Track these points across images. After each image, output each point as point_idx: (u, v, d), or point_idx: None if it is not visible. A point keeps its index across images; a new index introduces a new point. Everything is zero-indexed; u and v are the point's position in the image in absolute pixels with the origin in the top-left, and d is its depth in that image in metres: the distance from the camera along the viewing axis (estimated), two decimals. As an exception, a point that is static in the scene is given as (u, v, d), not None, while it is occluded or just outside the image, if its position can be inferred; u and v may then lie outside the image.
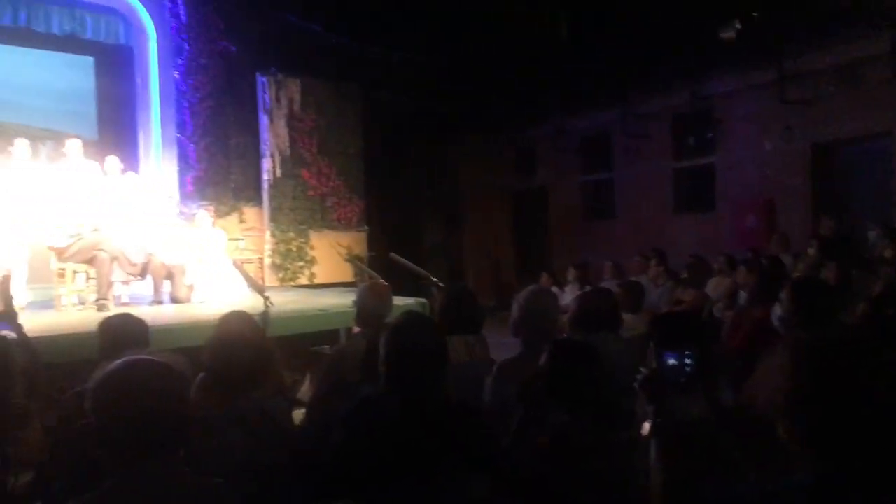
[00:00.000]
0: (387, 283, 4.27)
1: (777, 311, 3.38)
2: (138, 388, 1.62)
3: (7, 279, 5.91)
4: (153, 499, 1.62)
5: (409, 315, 2.47)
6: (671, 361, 1.98)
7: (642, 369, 2.00)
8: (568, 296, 8.71)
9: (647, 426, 1.92)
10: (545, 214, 15.14)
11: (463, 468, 2.15)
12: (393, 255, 7.18)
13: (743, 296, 7.12)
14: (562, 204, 14.74)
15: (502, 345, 4.39)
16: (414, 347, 2.21)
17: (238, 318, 3.36)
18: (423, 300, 7.84)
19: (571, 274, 9.94)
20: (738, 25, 9.61)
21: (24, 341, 3.62)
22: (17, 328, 3.73)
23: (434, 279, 6.68)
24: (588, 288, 7.26)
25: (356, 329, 7.85)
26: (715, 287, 8.31)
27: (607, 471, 2.54)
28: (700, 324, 3.99)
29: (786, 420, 1.35)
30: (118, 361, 1.70)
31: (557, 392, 2.65)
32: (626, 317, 4.15)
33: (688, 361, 1.96)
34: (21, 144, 8.15)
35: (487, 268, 15.31)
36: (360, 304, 3.93)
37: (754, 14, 9.58)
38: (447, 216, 15.06)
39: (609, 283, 8.02)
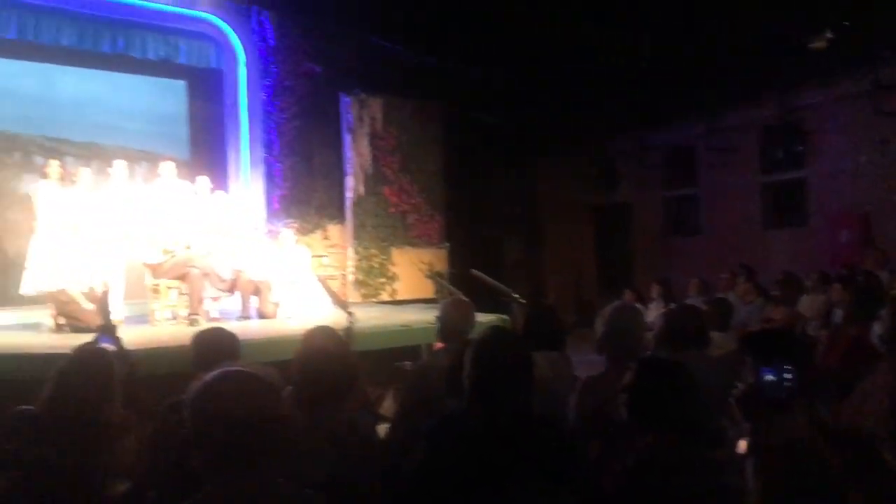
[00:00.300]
0: (468, 299, 4.28)
1: (877, 329, 3.24)
2: (234, 398, 1.67)
3: (106, 294, 6.20)
4: (244, 507, 1.66)
5: (496, 330, 2.47)
6: (769, 377, 1.91)
7: (738, 385, 1.94)
8: (652, 313, 8.54)
9: (742, 444, 1.86)
10: (627, 230, 14.92)
11: (548, 485, 2.13)
12: (474, 271, 7.21)
13: (838, 314, 6.85)
14: (644, 220, 14.51)
15: (584, 362, 4.34)
16: (500, 362, 2.21)
17: (323, 332, 3.42)
18: (504, 316, 7.81)
19: (655, 291, 9.75)
20: (829, 35, 9.31)
21: (123, 354, 3.76)
22: (116, 341, 3.88)
23: (515, 295, 6.67)
24: (673, 305, 7.11)
25: (438, 345, 7.90)
26: (808, 305, 8.02)
27: (696, 491, 2.48)
28: (797, 341, 3.86)
29: (892, 442, 1.29)
30: (214, 372, 1.75)
31: (643, 410, 2.60)
32: (714, 335, 4.04)
33: (787, 377, 1.89)
34: (119, 166, 8.51)
35: (569, 284, 15.17)
36: (442, 320, 3.95)
37: (846, 23, 9.27)
38: (527, 232, 15.01)
39: (695, 301, 7.84)
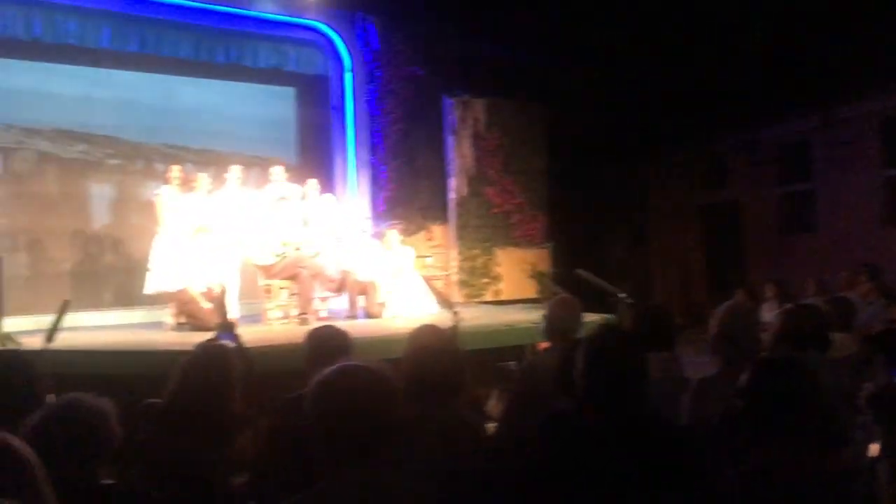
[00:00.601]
0: (575, 298, 4.24)
1: None
2: (354, 392, 1.72)
3: (223, 294, 6.47)
4: (363, 499, 1.71)
5: (609, 328, 2.45)
6: (901, 379, 1.82)
7: (865, 386, 1.86)
8: (766, 313, 8.24)
9: (874, 448, 1.78)
10: (738, 229, 14.42)
11: (662, 489, 2.09)
12: (580, 270, 7.14)
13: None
14: (756, 217, 13.99)
15: (692, 364, 4.23)
16: (615, 361, 2.18)
17: (431, 330, 3.47)
18: (610, 316, 7.70)
19: (770, 290, 9.41)
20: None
21: (242, 350, 3.92)
22: (235, 338, 4.04)
23: (621, 295, 6.57)
24: (789, 305, 6.84)
25: (543, 344, 7.86)
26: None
27: (819, 498, 2.38)
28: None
29: None
30: (335, 367, 1.81)
31: (760, 413, 2.52)
32: (836, 336, 3.87)
33: (921, 378, 1.79)
34: (234, 171, 8.86)
35: (675, 285, 14.81)
36: (549, 319, 3.93)
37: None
38: (632, 232, 14.74)
39: (814, 300, 7.51)
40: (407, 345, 3.33)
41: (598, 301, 7.21)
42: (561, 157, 12.46)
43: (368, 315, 8.70)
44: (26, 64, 9.75)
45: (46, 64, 9.86)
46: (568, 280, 8.48)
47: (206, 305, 7.71)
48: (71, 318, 5.79)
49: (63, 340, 5.76)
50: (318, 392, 1.77)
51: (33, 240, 10.04)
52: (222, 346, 3.56)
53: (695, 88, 11.56)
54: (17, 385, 2.81)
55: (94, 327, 8.72)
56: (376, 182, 11.37)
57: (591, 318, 7.40)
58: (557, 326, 3.91)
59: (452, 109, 11.65)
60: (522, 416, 3.49)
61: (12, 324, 7.34)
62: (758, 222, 13.94)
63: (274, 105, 11.70)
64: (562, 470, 2.30)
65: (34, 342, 5.28)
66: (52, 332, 5.37)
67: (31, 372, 2.94)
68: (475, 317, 8.06)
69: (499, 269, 11.97)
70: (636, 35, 10.73)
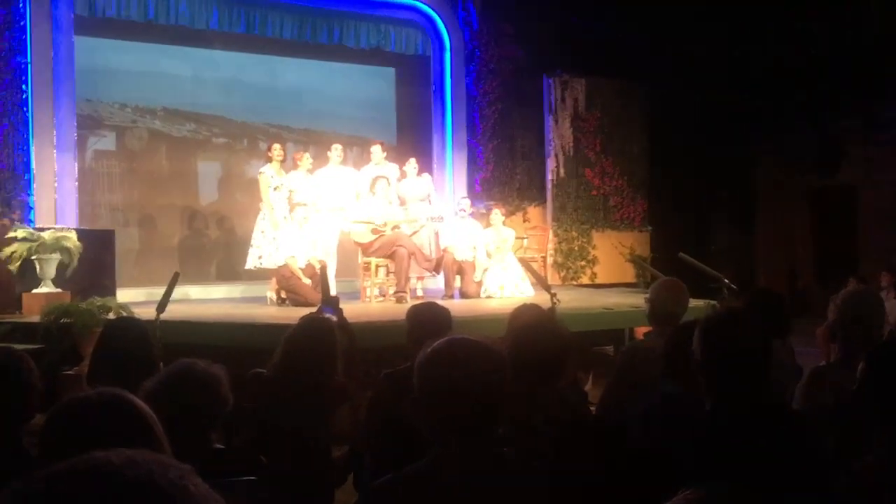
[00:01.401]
0: (681, 282, 4.10)
1: None
2: (464, 364, 1.70)
3: (325, 269, 6.58)
4: (471, 473, 1.69)
5: (729, 311, 2.34)
6: None
7: None
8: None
9: None
10: (852, 214, 13.73)
11: (789, 478, 1.99)
12: (682, 255, 6.94)
13: None
14: (873, 203, 13.27)
15: (802, 354, 4.05)
16: (738, 345, 2.09)
17: (533, 309, 3.42)
18: (714, 302, 7.48)
19: (885, 279, 8.94)
20: None
21: (344, 324, 3.97)
22: (338, 312, 4.10)
23: (726, 281, 6.37)
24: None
25: (640, 329, 7.70)
26: None
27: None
28: None
29: None
30: (442, 339, 1.79)
31: (883, 403, 2.37)
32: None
33: None
34: (336, 149, 9.00)
35: (781, 271, 14.24)
36: (653, 302, 3.81)
37: None
38: (738, 216, 14.23)
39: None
40: (509, 324, 3.30)
41: (700, 287, 7.00)
42: (662, 138, 12.12)
43: (464, 295, 8.72)
44: (141, 45, 10.14)
45: (159, 45, 10.24)
46: (668, 264, 8.28)
47: (306, 282, 7.87)
48: (178, 291, 6.01)
49: (172, 312, 5.99)
50: (427, 364, 1.75)
51: (145, 215, 10.48)
52: (326, 319, 3.62)
53: (807, 65, 11.02)
54: (135, 350, 2.92)
55: (200, 300, 9.05)
56: (473, 162, 11.34)
57: (695, 304, 7.22)
58: (662, 310, 3.79)
59: (552, 89, 11.49)
60: (624, 399, 3.41)
61: (125, 295, 7.68)
62: (874, 207, 13.22)
63: (374, 85, 11.82)
64: (664, 455, 2.23)
65: (145, 313, 5.50)
66: (163, 304, 5.57)
67: (147, 339, 3.05)
68: (572, 299, 7.97)
69: (595, 252, 11.79)
70: (743, 11, 10.30)
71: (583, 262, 11.68)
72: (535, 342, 2.64)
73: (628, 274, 11.64)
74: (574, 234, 11.65)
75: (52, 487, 0.71)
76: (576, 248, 11.66)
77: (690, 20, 10.65)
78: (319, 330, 3.44)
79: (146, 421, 1.39)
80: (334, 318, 3.79)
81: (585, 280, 11.61)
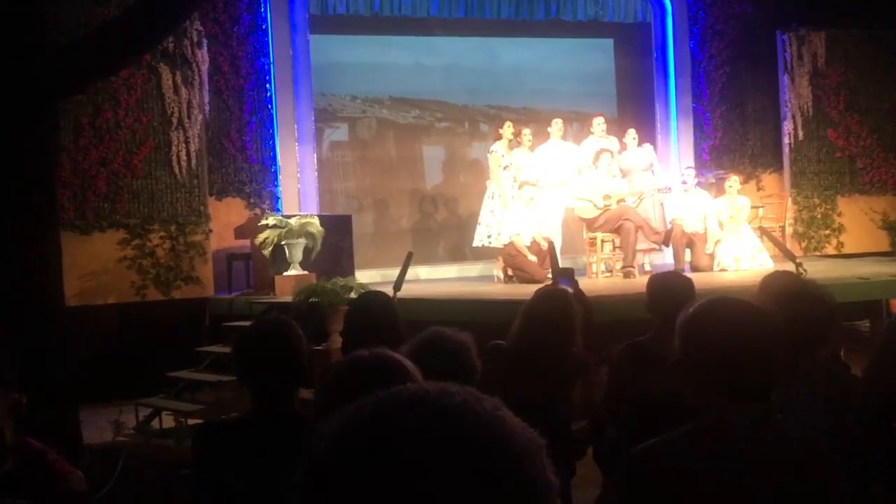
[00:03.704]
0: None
1: None
2: (732, 325, 1.59)
3: (551, 247, 6.58)
4: (745, 440, 1.58)
5: None
6: None
7: None
8: None
9: None
10: None
11: None
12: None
13: None
14: None
15: None
16: None
17: (789, 276, 3.19)
18: None
19: None
20: None
21: (580, 296, 3.92)
22: (574, 284, 4.06)
23: None
24: None
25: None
26: None
27: None
28: None
29: None
30: (708, 299, 1.69)
31: None
32: None
33: None
34: (557, 124, 8.96)
35: None
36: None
37: None
38: None
39: None
40: (760, 291, 3.09)
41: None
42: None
43: (695, 269, 8.35)
44: (367, 38, 10.66)
45: (384, 37, 10.70)
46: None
47: (532, 259, 7.91)
48: (409, 272, 6.26)
49: (408, 290, 6.26)
50: (693, 323, 1.66)
51: (377, 200, 11.04)
52: (564, 290, 3.59)
53: None
54: (381, 320, 3.05)
55: (430, 280, 9.39)
56: (700, 130, 10.80)
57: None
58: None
59: (787, 46, 10.64)
60: (892, 373, 3.10)
61: (361, 276, 8.14)
62: None
63: (592, 58, 11.60)
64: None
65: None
66: (399, 282, 5.83)
67: (392, 308, 3.18)
68: (819, 270, 7.36)
69: (841, 220, 10.83)
70: None
71: (827, 231, 10.77)
72: (799, 306, 2.45)
73: (882, 242, 10.59)
74: (816, 200, 10.77)
75: (374, 413, 0.73)
76: (818, 216, 10.77)
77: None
78: (557, 301, 3.42)
79: (415, 377, 1.43)
80: (570, 290, 3.76)
81: (830, 250, 10.72)
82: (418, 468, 0.68)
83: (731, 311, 1.63)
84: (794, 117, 10.69)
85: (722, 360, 1.59)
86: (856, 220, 10.79)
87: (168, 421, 6.76)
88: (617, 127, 9.80)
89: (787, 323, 2.52)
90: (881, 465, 2.37)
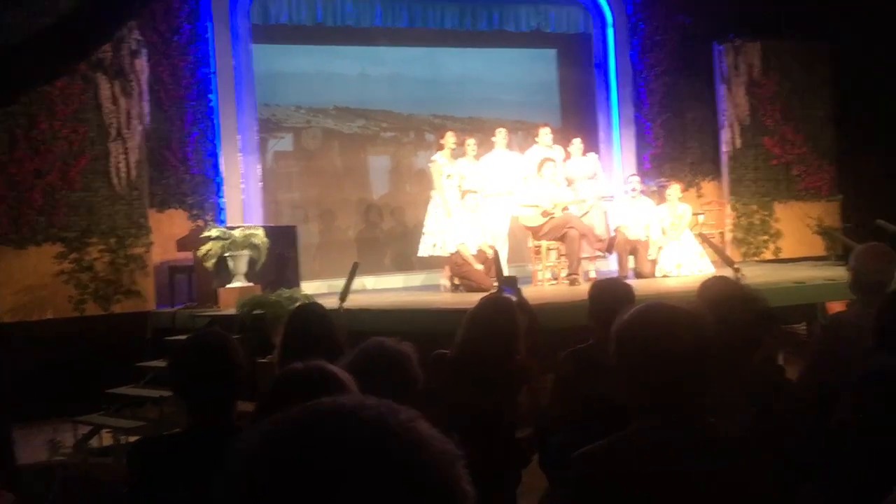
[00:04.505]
0: (888, 247, 3.76)
1: None
2: (664, 330, 1.62)
3: (496, 255, 6.61)
4: (679, 444, 1.61)
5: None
6: None
7: None
8: None
9: None
10: None
11: None
12: (880, 221, 6.45)
13: None
14: None
15: None
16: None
17: (725, 281, 3.25)
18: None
19: None
20: None
21: (523, 303, 3.95)
22: (517, 292, 4.09)
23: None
24: None
25: (833, 305, 7.18)
26: None
27: None
28: None
29: None
30: (641, 305, 1.72)
31: None
32: None
33: None
34: (501, 133, 9.04)
35: None
36: (857, 269, 3.52)
37: None
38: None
39: None
40: (698, 296, 3.15)
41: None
42: (851, 99, 11.21)
43: (639, 275, 8.48)
44: (311, 48, 10.61)
45: (328, 47, 10.66)
46: (862, 235, 7.69)
47: (479, 267, 7.94)
48: (355, 282, 6.24)
49: (354, 301, 6.23)
50: (627, 329, 1.68)
51: (323, 211, 10.96)
52: (507, 299, 3.62)
53: None
54: (319, 333, 3.04)
55: (376, 290, 9.36)
56: (642, 139, 10.99)
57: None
58: (867, 278, 3.50)
59: (724, 56, 10.90)
60: (828, 374, 3.19)
61: (307, 287, 8.07)
62: None
63: (536, 68, 11.72)
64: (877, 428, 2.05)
65: (328, 303, 5.74)
66: (345, 293, 5.80)
67: (329, 321, 3.16)
68: (757, 275, 7.55)
69: (778, 226, 11.11)
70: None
71: (765, 237, 11.04)
72: (732, 311, 2.50)
73: (817, 247, 10.89)
74: (754, 207, 11.03)
75: (290, 426, 0.72)
76: (756, 223, 11.04)
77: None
78: (501, 309, 3.44)
79: (350, 388, 1.42)
80: (514, 298, 3.78)
81: (769, 255, 10.98)
82: (331, 480, 0.67)
83: (662, 317, 1.66)
84: (731, 126, 10.95)
85: (654, 365, 1.62)
86: (792, 225, 11.08)
87: (108, 439, 6.60)
88: (561, 136, 9.91)
89: (720, 327, 2.58)
90: (815, 466, 2.44)
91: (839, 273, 6.03)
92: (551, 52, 11.81)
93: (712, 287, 2.95)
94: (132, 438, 6.08)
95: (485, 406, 3.29)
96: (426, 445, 0.73)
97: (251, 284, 7.76)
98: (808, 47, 11.19)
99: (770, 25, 10.76)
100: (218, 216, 9.11)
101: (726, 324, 2.52)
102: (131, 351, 7.50)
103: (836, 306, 7.01)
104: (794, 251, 10.95)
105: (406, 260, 10.46)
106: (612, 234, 8.78)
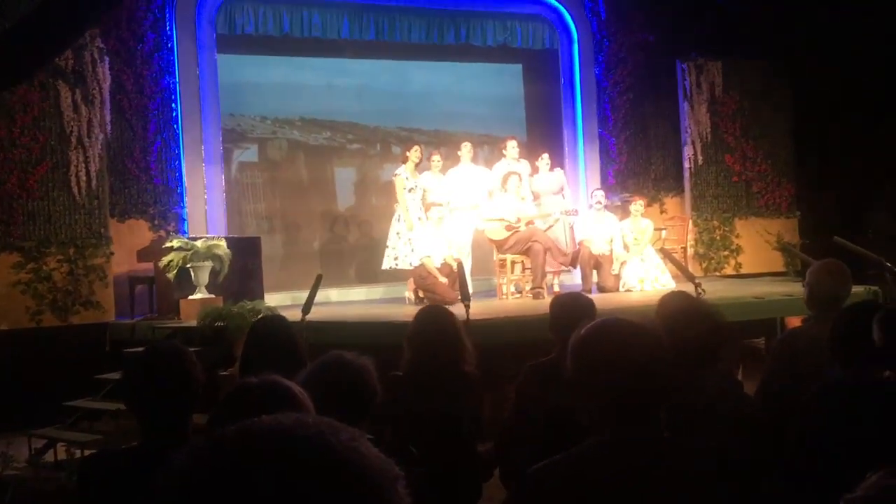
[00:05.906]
0: (842, 263, 3.84)
1: None
2: (619, 345, 1.63)
3: (461, 267, 6.61)
4: (635, 459, 1.61)
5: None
6: None
7: None
8: None
9: None
10: None
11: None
12: (837, 238, 6.55)
13: None
14: None
15: None
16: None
17: (683, 296, 3.29)
18: (875, 288, 7.02)
19: None
20: None
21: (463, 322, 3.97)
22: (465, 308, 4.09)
23: (889, 265, 5.95)
24: None
25: (792, 320, 7.29)
26: None
27: None
28: None
29: None
30: (597, 320, 1.73)
31: None
32: None
33: None
34: (466, 147, 9.06)
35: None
36: (812, 285, 3.58)
37: None
38: (896, 197, 13.24)
39: None
40: (657, 311, 3.18)
41: (857, 272, 6.58)
42: (809, 118, 11.44)
43: (602, 289, 8.54)
44: (278, 59, 10.56)
45: (295, 58, 10.63)
46: (820, 251, 7.83)
47: (443, 280, 7.93)
48: (319, 294, 6.18)
49: (317, 313, 6.17)
50: (582, 345, 1.69)
51: (288, 222, 10.89)
52: (442, 308, 3.68)
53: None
54: (280, 345, 3.01)
55: (341, 303, 9.31)
56: (606, 154, 11.10)
57: (856, 289, 6.79)
58: (823, 294, 3.56)
59: (686, 74, 11.08)
60: (785, 388, 3.23)
61: (271, 299, 8.00)
62: None
63: (502, 83, 11.80)
64: (843, 442, 2.07)
65: (291, 315, 5.69)
66: (308, 305, 5.75)
67: (291, 333, 3.14)
68: (717, 290, 7.64)
69: (739, 241, 11.28)
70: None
71: (726, 252, 11.20)
72: (689, 325, 2.53)
73: (776, 263, 11.07)
74: (715, 223, 11.19)
75: (227, 445, 0.71)
76: (717, 238, 11.19)
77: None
78: (437, 317, 3.50)
79: (304, 403, 1.41)
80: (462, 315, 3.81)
81: (729, 270, 11.14)
82: (268, 499, 0.66)
83: (617, 333, 1.67)
84: (693, 143, 11.11)
85: (608, 380, 1.63)
86: (752, 241, 11.25)
87: (63, 453, 6.45)
88: (527, 151, 9.97)
89: (678, 341, 2.60)
90: (773, 479, 2.46)
91: (797, 289, 6.12)
92: (517, 67, 11.89)
93: (670, 302, 2.98)
94: (88, 452, 5.96)
95: (437, 412, 3.30)
96: (367, 465, 0.72)
97: (213, 296, 7.67)
98: (768, 66, 11.41)
99: (731, 44, 10.95)
100: (181, 226, 9.00)
101: (683, 338, 2.55)
102: (90, 363, 7.37)
103: (795, 321, 7.13)
104: (755, 267, 11.11)
105: (371, 272, 10.42)
106: (577, 248, 8.83)
